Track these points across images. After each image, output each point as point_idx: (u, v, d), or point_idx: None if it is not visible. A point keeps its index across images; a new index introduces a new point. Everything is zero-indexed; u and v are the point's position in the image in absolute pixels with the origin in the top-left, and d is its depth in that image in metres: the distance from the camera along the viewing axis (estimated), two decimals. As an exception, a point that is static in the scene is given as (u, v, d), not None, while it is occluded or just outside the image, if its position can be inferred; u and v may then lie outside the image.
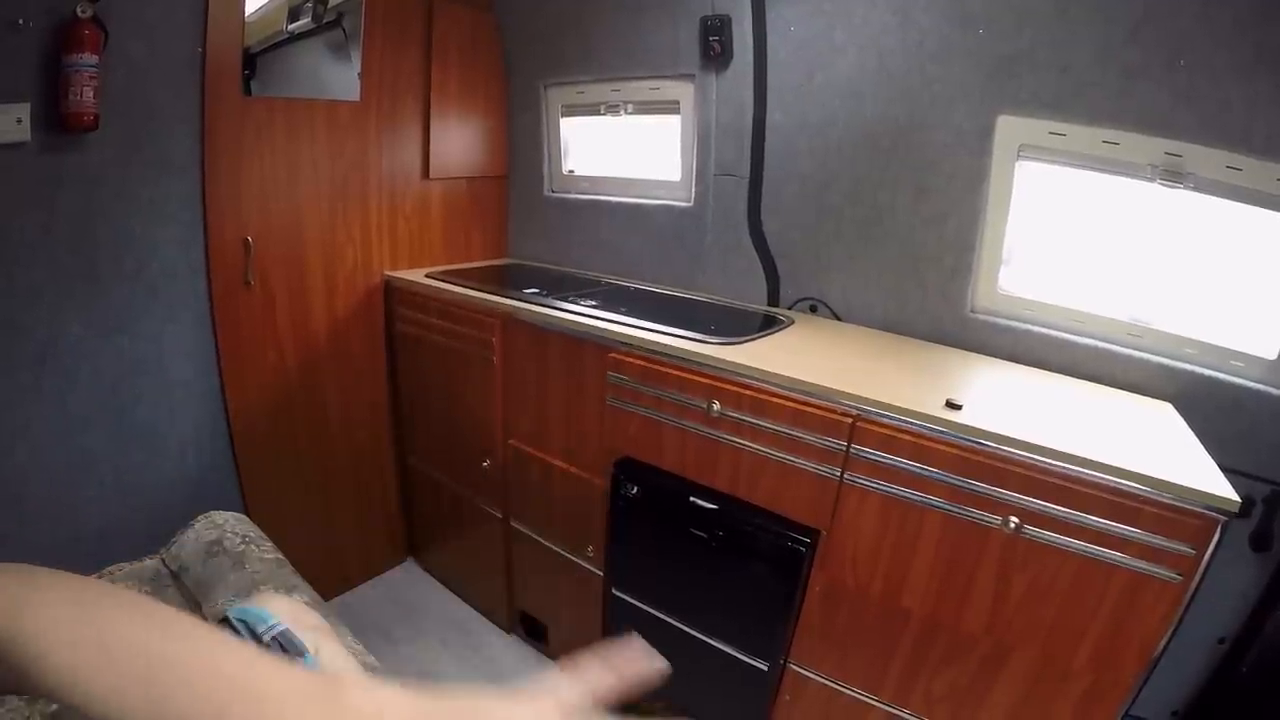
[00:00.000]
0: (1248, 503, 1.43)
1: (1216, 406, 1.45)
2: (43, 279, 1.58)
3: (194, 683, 0.38)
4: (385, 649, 2.07)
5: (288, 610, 1.06)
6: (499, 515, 2.17)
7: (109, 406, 1.75)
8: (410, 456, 2.50)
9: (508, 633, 2.33)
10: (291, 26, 1.94)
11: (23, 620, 0.39)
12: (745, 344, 1.64)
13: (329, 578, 2.18)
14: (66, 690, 0.37)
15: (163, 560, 1.51)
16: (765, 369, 1.44)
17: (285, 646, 0.96)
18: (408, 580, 2.59)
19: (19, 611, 0.39)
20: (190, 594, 1.40)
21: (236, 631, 0.97)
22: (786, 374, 1.41)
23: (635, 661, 0.47)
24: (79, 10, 1.47)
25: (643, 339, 1.63)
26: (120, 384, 1.76)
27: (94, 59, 1.50)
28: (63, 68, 1.47)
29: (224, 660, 0.39)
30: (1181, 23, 1.36)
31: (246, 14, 1.81)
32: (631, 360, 1.63)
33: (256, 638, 0.96)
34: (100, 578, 1.42)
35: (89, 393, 1.71)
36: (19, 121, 1.47)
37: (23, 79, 1.47)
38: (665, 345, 1.59)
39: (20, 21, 1.43)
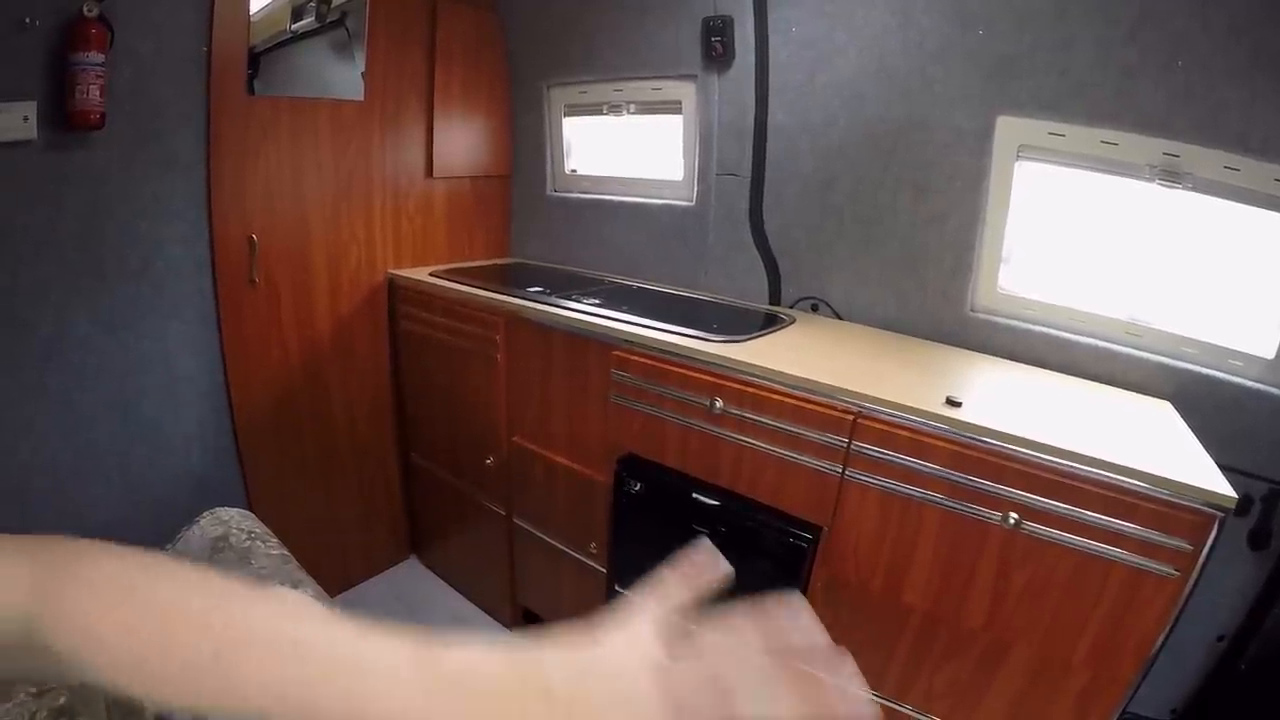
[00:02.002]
0: (1246, 501, 1.44)
1: (1215, 405, 1.46)
2: (49, 276, 1.59)
3: (272, 656, 0.37)
4: None
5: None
6: (502, 512, 2.18)
7: (114, 403, 1.76)
8: (413, 453, 2.50)
9: (510, 629, 2.33)
10: (295, 26, 1.94)
11: (61, 607, 0.37)
12: (748, 342, 1.65)
13: (332, 575, 2.19)
14: (124, 679, 0.36)
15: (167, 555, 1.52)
16: (768, 367, 1.45)
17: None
18: (410, 577, 2.59)
19: (57, 602, 0.37)
20: (196, 589, 1.40)
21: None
22: (789, 372, 1.42)
23: (705, 567, 0.45)
24: (85, 9, 1.48)
25: (646, 337, 1.64)
26: (125, 381, 1.77)
27: (100, 57, 1.51)
28: (69, 66, 1.48)
29: (305, 628, 0.37)
30: (1179, 25, 1.37)
31: (251, 13, 1.82)
32: (635, 358, 1.64)
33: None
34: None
35: (94, 389, 1.71)
36: (25, 119, 1.48)
37: (29, 77, 1.48)
38: (669, 343, 1.60)
39: (27, 20, 1.44)
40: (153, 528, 1.64)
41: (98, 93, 1.52)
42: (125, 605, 0.38)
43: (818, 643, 0.39)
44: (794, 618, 0.40)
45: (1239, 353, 1.48)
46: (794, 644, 0.38)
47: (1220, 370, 1.49)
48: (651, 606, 0.40)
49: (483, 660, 0.36)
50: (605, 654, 0.38)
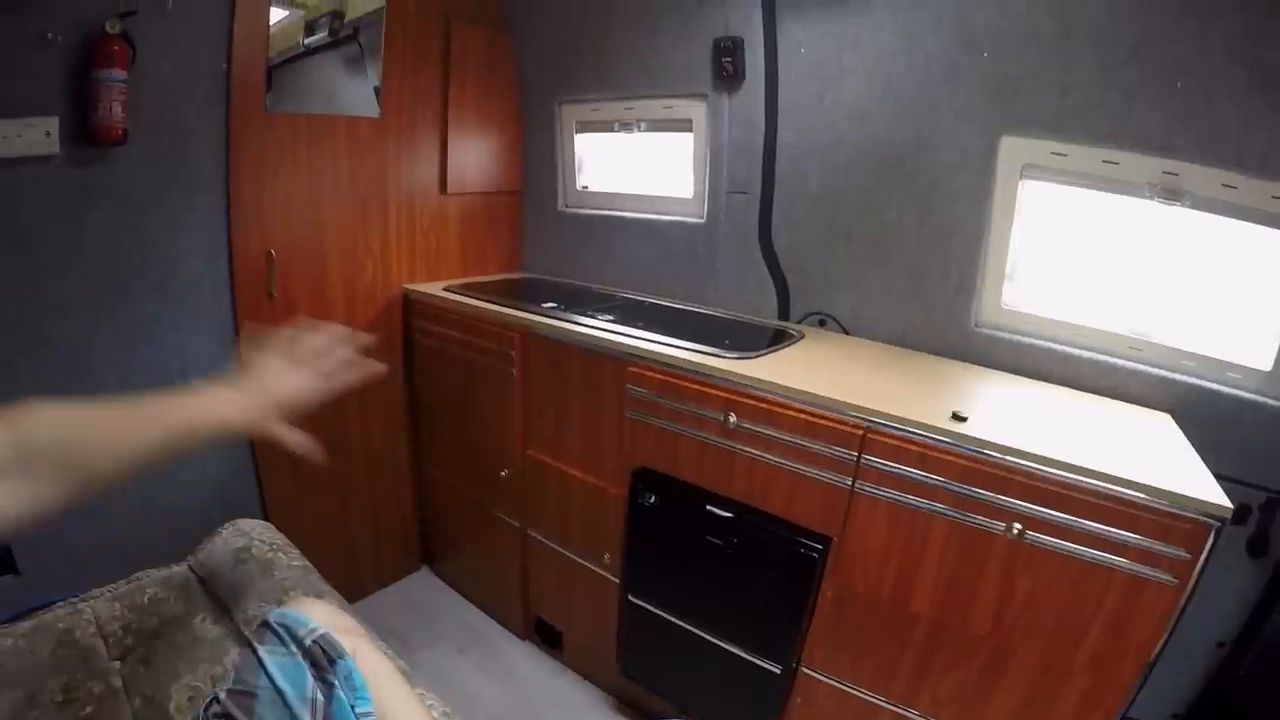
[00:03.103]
0: (1244, 510, 1.46)
1: (1214, 417, 1.49)
2: (71, 289, 1.62)
3: (146, 425, 0.79)
4: (402, 655, 2.05)
5: (325, 615, 1.09)
6: (515, 524, 2.19)
7: (134, 415, 1.78)
8: (426, 465, 2.52)
9: (523, 639, 2.34)
10: (308, 41, 1.97)
11: (34, 417, 0.70)
12: (760, 358, 1.68)
13: (345, 585, 2.18)
14: (87, 436, 0.73)
15: (190, 567, 1.54)
16: (780, 383, 1.48)
17: (326, 649, 1.00)
18: (423, 587, 2.60)
19: (28, 416, 0.69)
20: (220, 599, 1.43)
21: (277, 635, 1.01)
22: (801, 388, 1.45)
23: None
24: (108, 26, 1.50)
25: (661, 353, 1.66)
26: (145, 393, 1.78)
27: (122, 74, 1.53)
28: (91, 82, 1.51)
29: (151, 407, 0.80)
30: (1178, 46, 1.40)
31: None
32: (650, 374, 1.66)
33: (297, 640, 1.00)
34: (130, 584, 1.45)
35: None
36: (48, 135, 1.50)
37: (51, 93, 1.50)
38: (683, 359, 1.62)
39: (50, 36, 1.46)
40: (170, 538, 1.66)
41: (120, 109, 1.55)
42: (74, 406, 0.73)
43: (340, 333, 0.98)
44: (330, 330, 0.97)
45: (1237, 365, 1.50)
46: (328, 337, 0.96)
47: (1219, 383, 1.51)
48: (256, 356, 0.92)
49: (209, 389, 0.86)
50: (258, 370, 0.89)
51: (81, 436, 0.72)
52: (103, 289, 1.67)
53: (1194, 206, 1.50)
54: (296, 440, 0.91)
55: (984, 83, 1.65)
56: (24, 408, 0.69)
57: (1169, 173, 1.49)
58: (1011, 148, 1.65)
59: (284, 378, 0.89)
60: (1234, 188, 1.43)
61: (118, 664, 1.26)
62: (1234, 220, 1.47)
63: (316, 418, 2.13)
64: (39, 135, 1.50)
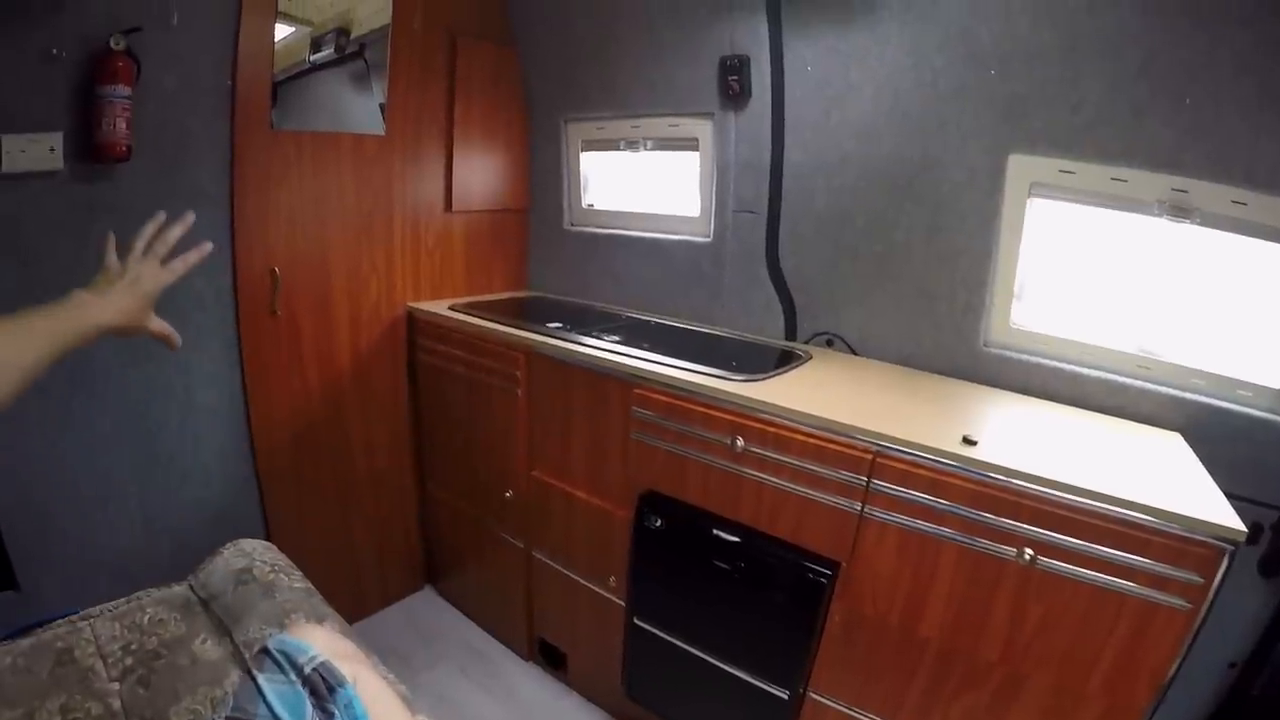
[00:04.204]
0: (1256, 529, 1.44)
1: (1225, 435, 1.47)
2: (74, 304, 1.61)
3: (37, 339, 0.82)
4: (404, 675, 2.04)
5: (325, 641, 1.08)
6: (520, 545, 2.18)
7: (136, 431, 1.78)
8: (430, 484, 2.51)
9: (527, 660, 2.33)
10: (314, 57, 1.97)
11: None
12: (767, 380, 1.66)
13: (347, 603, 2.18)
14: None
15: (191, 587, 1.53)
16: (788, 406, 1.47)
17: (326, 677, 0.99)
18: (426, 607, 2.59)
19: None
20: (220, 621, 1.41)
21: (277, 662, 1.00)
22: (809, 411, 1.44)
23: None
24: (113, 42, 1.51)
25: (667, 375, 1.65)
26: (147, 409, 1.79)
27: (127, 90, 1.53)
28: (96, 98, 1.51)
29: (37, 321, 0.84)
30: (1187, 61, 1.39)
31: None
32: (656, 396, 1.65)
33: (297, 668, 0.99)
34: (130, 603, 1.44)
35: (116, 418, 1.73)
36: (52, 150, 1.50)
37: (56, 108, 1.51)
38: (690, 382, 1.61)
39: (54, 52, 1.47)
40: (171, 556, 1.65)
41: (124, 125, 1.54)
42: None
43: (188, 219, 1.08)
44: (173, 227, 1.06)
45: (1248, 383, 1.49)
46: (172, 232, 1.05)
47: (1229, 401, 1.50)
48: (115, 261, 0.99)
49: (84, 297, 0.92)
50: (120, 273, 0.97)
51: None
52: (105, 304, 1.66)
53: (1203, 224, 1.49)
54: (162, 328, 1.03)
55: (991, 100, 1.65)
56: None
57: (1178, 190, 1.49)
58: (1019, 166, 1.64)
59: (143, 277, 0.99)
60: (1243, 204, 1.43)
61: (116, 685, 1.24)
62: (1244, 237, 1.46)
63: (322, 437, 2.17)
64: (43, 151, 1.50)
